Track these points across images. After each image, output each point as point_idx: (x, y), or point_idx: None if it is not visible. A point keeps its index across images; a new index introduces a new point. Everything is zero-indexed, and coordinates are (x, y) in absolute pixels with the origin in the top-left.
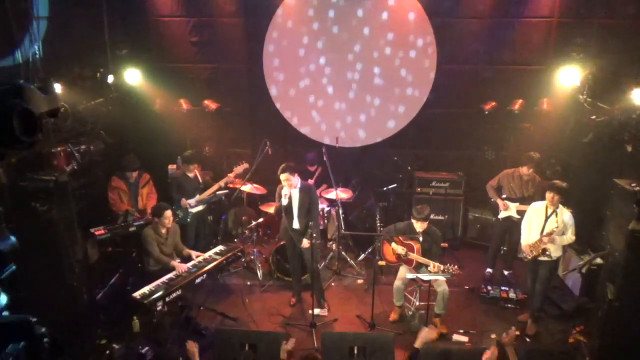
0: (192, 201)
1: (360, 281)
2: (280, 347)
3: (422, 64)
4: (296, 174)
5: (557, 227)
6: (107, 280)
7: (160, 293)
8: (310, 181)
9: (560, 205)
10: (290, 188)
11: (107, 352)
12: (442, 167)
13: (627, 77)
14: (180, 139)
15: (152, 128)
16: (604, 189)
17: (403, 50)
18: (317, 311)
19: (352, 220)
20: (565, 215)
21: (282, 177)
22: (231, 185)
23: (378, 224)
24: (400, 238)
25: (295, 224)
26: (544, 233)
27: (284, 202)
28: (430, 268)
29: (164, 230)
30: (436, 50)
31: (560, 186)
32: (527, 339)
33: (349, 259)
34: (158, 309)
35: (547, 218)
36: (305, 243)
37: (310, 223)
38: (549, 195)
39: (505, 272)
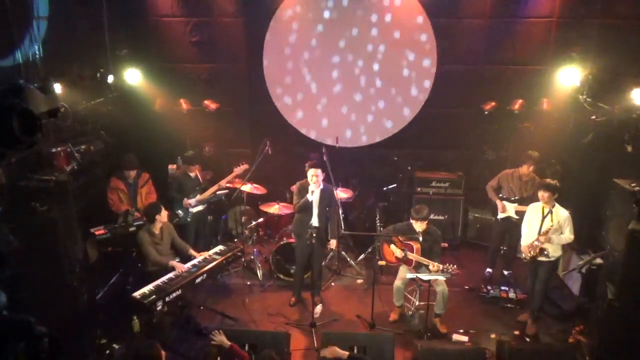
0: (192, 201)
1: (360, 281)
2: (281, 347)
3: (422, 64)
4: (323, 173)
5: (552, 226)
6: (107, 280)
7: (160, 293)
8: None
9: (557, 204)
10: (317, 184)
11: (107, 352)
12: (442, 167)
13: (627, 77)
14: (180, 139)
15: (152, 128)
16: (604, 189)
17: (403, 50)
18: (317, 309)
19: (352, 220)
20: (561, 214)
21: (312, 171)
22: (231, 185)
23: (378, 224)
24: (400, 238)
25: (315, 222)
26: (541, 233)
27: (309, 197)
28: (431, 267)
29: (157, 231)
30: (436, 50)
31: (548, 183)
32: (527, 339)
33: (349, 259)
34: (158, 309)
35: (543, 218)
36: (333, 243)
37: (329, 231)
38: (539, 193)
39: (505, 272)
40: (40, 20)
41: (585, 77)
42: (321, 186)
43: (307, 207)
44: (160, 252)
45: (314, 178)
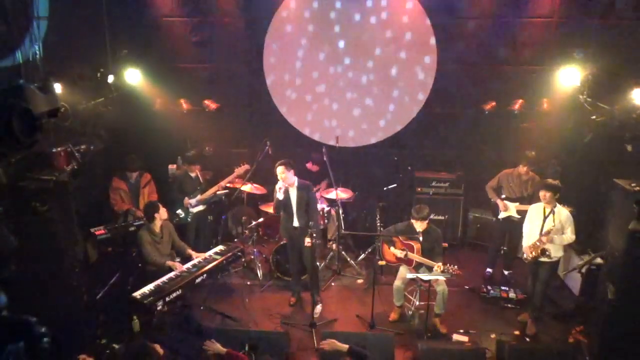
0: (192, 201)
1: (360, 281)
2: (281, 347)
3: (422, 64)
4: (292, 170)
5: (554, 227)
6: (107, 280)
7: (160, 293)
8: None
9: (558, 205)
10: (285, 182)
11: (107, 352)
12: (442, 167)
13: (627, 77)
14: (180, 139)
15: (152, 128)
16: (604, 189)
17: (403, 51)
18: (317, 309)
19: (352, 220)
20: (563, 214)
21: (278, 170)
22: (231, 185)
23: (378, 224)
24: (401, 238)
25: (295, 222)
26: (542, 233)
27: (279, 196)
28: (435, 268)
29: (158, 229)
30: (436, 50)
31: (550, 183)
32: (527, 339)
33: (349, 259)
34: (158, 309)
35: (545, 218)
36: (307, 242)
37: (310, 223)
38: (541, 193)
39: (505, 272)
40: (40, 20)
41: (585, 77)
42: (296, 184)
43: (285, 208)
44: (160, 251)
45: (281, 175)
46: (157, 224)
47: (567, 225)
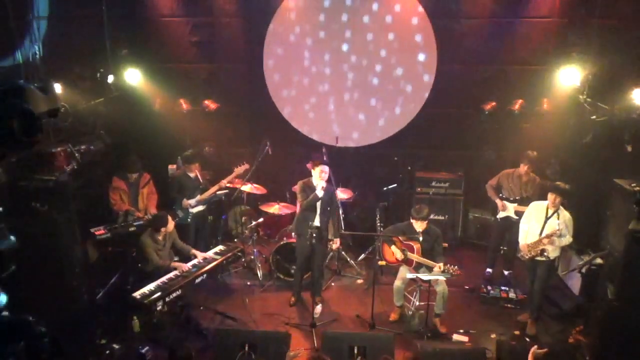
0: (192, 201)
1: (360, 281)
2: (281, 347)
3: (422, 64)
4: None
5: (558, 230)
6: (107, 280)
7: (160, 293)
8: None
9: (561, 207)
10: (323, 180)
11: (107, 352)
12: (442, 167)
13: (627, 77)
14: (180, 139)
15: (152, 128)
16: (604, 189)
17: (403, 51)
18: (317, 309)
19: (352, 220)
20: (567, 216)
21: (321, 167)
22: (231, 185)
23: (378, 224)
24: (400, 238)
25: (317, 221)
26: (544, 234)
27: (319, 193)
28: (436, 269)
29: (160, 237)
30: (436, 50)
31: (563, 188)
32: (527, 339)
33: (349, 259)
34: (158, 309)
35: (547, 219)
36: (336, 246)
37: (333, 231)
38: (551, 196)
39: (505, 272)
40: (40, 20)
41: (585, 77)
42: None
43: (312, 206)
44: (161, 256)
45: (323, 174)
46: (162, 235)
47: (568, 228)
